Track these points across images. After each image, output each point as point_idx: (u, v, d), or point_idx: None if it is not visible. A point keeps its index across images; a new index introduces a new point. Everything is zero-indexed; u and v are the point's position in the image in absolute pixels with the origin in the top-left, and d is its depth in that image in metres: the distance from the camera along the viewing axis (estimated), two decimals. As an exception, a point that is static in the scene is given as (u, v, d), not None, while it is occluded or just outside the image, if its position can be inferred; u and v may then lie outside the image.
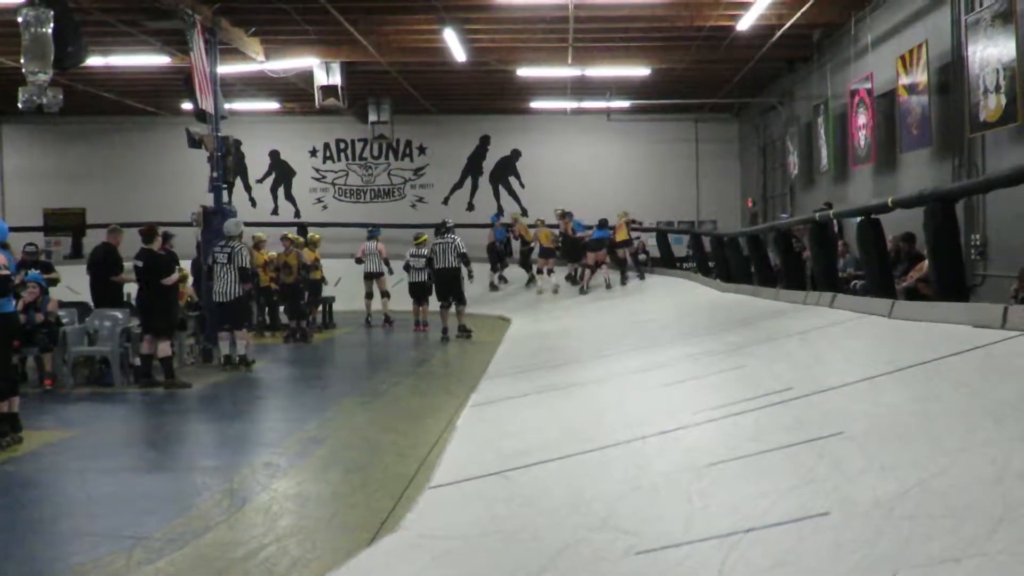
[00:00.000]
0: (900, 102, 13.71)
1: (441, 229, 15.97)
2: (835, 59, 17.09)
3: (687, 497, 4.41)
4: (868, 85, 15.02)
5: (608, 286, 18.85)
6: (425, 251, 16.36)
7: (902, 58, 13.53)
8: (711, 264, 16.88)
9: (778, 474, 4.37)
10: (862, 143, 15.44)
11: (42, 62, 10.47)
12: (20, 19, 10.55)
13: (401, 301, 18.04)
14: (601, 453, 5.70)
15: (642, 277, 19.25)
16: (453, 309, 15.59)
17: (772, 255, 13.72)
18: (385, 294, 17.93)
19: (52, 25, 10.50)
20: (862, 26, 15.50)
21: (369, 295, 17.96)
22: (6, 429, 7.56)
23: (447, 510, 5.22)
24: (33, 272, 10.78)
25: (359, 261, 17.99)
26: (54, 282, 12.19)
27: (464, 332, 15.35)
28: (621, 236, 19.37)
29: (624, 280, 19.09)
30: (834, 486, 3.96)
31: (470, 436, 7.11)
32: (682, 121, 25.36)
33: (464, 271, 15.56)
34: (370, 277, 17.90)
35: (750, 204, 24.37)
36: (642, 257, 22.58)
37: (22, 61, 10.77)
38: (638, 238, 21.25)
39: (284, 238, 16.69)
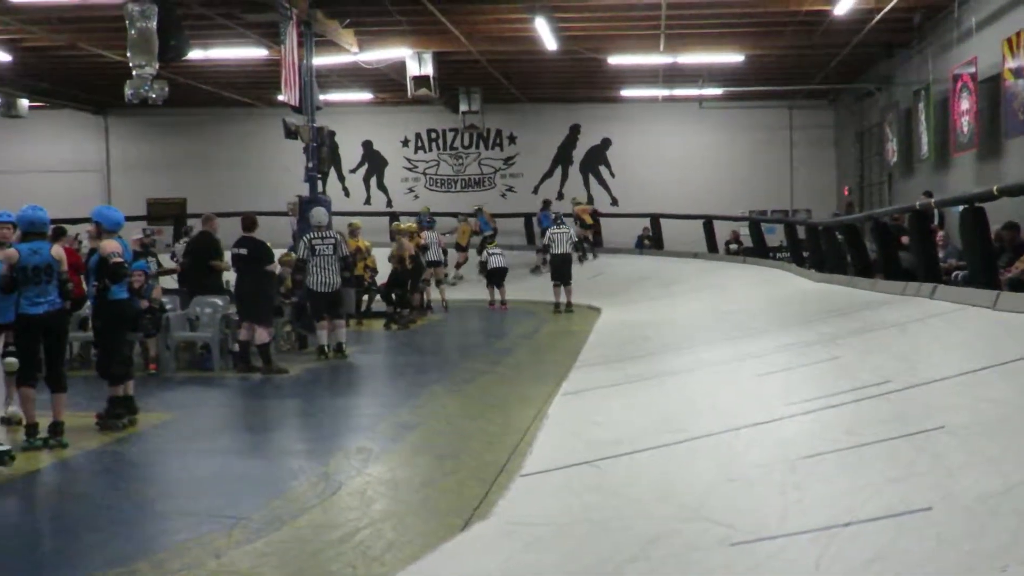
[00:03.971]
0: (1006, 87, 13.24)
1: (558, 220, 18.15)
2: (936, 43, 16.58)
3: (781, 489, 4.35)
4: (972, 69, 14.54)
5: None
6: (498, 250, 18.45)
7: (1008, 41, 13.05)
8: (805, 254, 16.56)
9: (876, 467, 4.28)
10: (965, 129, 14.96)
11: (147, 56, 10.83)
12: (126, 14, 10.90)
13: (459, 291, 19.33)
14: (692, 444, 5.66)
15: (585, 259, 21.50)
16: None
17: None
18: (440, 282, 18.66)
19: (156, 19, 10.82)
20: (966, 8, 15.01)
21: (427, 283, 18.43)
22: (122, 412, 7.83)
23: (538, 498, 5.25)
24: (139, 261, 11.11)
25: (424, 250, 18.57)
26: (168, 272, 12.40)
27: (569, 308, 17.19)
28: (589, 221, 22.44)
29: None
30: (936, 480, 3.87)
31: (560, 425, 7.12)
32: (776, 108, 24.89)
33: (575, 256, 17.72)
34: (430, 266, 18.40)
35: (846, 192, 23.82)
36: (733, 247, 22.30)
37: (128, 55, 11.14)
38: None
39: (395, 229, 16.96)
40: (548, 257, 18.02)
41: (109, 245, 7.64)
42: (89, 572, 4.46)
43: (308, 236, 12.11)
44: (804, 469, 4.55)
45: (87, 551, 4.86)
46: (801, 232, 16.93)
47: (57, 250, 7.40)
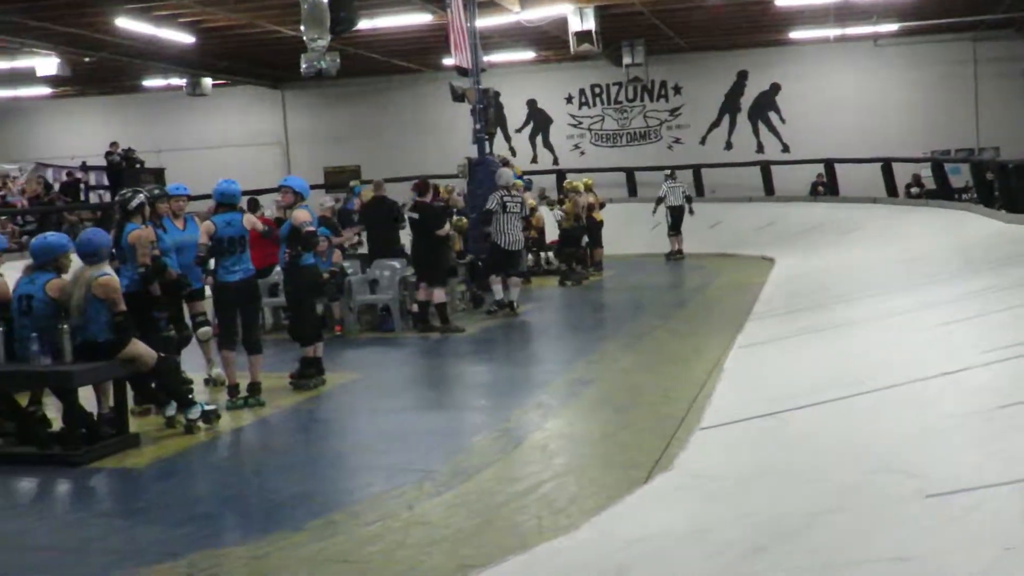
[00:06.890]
0: None
1: (672, 175, 19.27)
2: None
3: (977, 440, 4.20)
4: None
5: None
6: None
7: None
8: (996, 194, 15.65)
9: (1082, 417, 4.08)
10: None
11: (320, 28, 11.19)
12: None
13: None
14: (877, 395, 5.51)
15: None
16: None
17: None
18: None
19: (327, -7, 11.17)
20: None
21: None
22: (312, 372, 8.24)
23: (720, 450, 5.25)
24: (322, 227, 11.55)
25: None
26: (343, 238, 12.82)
27: (680, 255, 18.79)
28: None
29: None
30: None
31: (739, 378, 7.06)
32: (958, 41, 23.46)
33: (687, 207, 18.60)
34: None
35: (1039, 127, 22.32)
36: (915, 191, 21.29)
37: (302, 29, 11.54)
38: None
39: (568, 186, 16.79)
40: (666, 208, 18.77)
41: (301, 215, 7.98)
42: (295, 523, 4.76)
43: (499, 194, 12.38)
44: (1001, 419, 4.37)
45: (290, 503, 5.17)
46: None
47: (249, 219, 7.81)
